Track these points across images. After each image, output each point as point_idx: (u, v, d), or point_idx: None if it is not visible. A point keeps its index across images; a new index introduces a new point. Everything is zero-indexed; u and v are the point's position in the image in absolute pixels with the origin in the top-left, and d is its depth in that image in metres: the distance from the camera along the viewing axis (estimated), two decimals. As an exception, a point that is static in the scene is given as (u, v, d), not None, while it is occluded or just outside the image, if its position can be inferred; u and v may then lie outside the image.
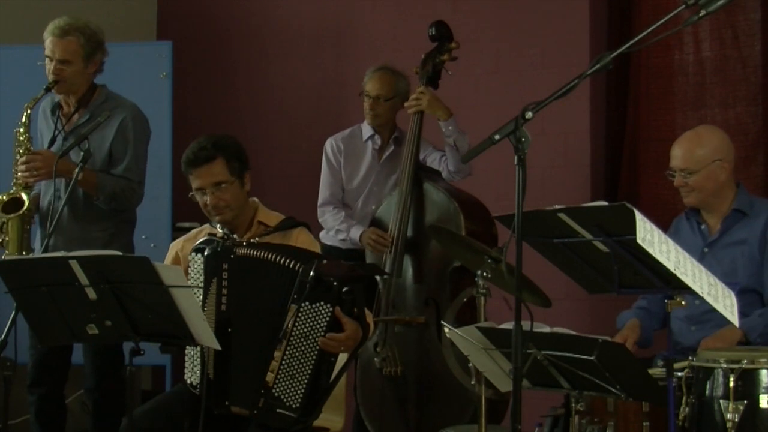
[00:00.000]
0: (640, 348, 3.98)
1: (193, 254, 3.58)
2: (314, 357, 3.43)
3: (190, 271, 3.57)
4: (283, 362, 3.44)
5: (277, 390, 3.45)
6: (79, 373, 4.54)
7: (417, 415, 4.69)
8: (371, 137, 4.99)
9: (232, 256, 3.51)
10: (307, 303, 3.42)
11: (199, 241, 3.62)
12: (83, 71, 4.38)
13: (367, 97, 4.94)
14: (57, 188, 4.30)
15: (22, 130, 4.33)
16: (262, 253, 3.51)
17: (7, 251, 4.31)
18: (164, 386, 5.60)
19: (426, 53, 4.88)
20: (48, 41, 4.34)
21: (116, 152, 4.38)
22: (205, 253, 3.54)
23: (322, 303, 3.42)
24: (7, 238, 4.30)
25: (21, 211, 4.28)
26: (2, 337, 3.59)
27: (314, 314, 3.43)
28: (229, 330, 3.48)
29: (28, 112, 4.36)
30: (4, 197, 4.30)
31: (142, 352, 3.22)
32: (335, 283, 3.42)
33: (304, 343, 3.43)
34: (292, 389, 3.44)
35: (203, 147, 3.64)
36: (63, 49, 4.32)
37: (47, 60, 4.34)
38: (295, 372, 3.43)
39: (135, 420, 3.41)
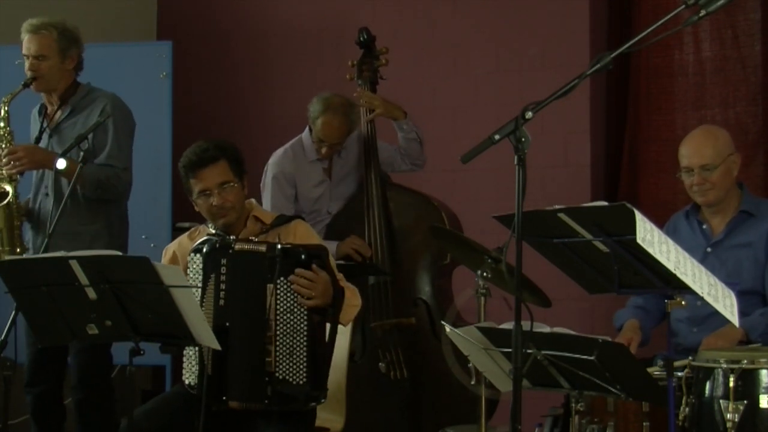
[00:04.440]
0: (639, 347, 3.98)
1: (192, 254, 3.59)
2: (305, 327, 3.47)
3: (188, 272, 3.58)
4: (278, 342, 3.47)
5: (280, 372, 3.46)
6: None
7: (417, 417, 4.68)
8: (319, 159, 4.83)
9: (230, 251, 3.53)
10: (282, 278, 3.47)
11: (197, 242, 3.63)
12: (60, 66, 4.41)
13: (320, 142, 4.74)
14: (45, 185, 4.37)
15: (2, 124, 4.35)
16: (255, 247, 3.55)
17: None
18: (164, 386, 5.60)
19: (358, 61, 4.85)
20: (24, 39, 4.40)
21: (97, 141, 4.38)
22: (204, 251, 3.55)
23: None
24: None
25: (6, 201, 4.29)
26: (2, 337, 3.59)
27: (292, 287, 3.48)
28: (227, 325, 3.50)
29: (6, 108, 4.38)
30: None
31: (142, 352, 3.22)
32: (303, 256, 3.48)
33: (291, 317, 3.47)
34: (294, 366, 3.46)
35: (206, 149, 3.65)
36: (37, 44, 4.37)
37: (25, 59, 4.39)
38: (292, 348, 3.46)
39: (135, 420, 3.41)
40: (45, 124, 4.44)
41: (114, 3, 6.43)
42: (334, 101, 4.74)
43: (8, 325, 3.60)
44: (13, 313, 3.54)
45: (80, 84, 4.50)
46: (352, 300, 3.67)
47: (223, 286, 3.51)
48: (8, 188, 4.30)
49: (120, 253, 3.20)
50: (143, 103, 5.47)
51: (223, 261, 3.52)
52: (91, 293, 3.16)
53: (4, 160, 4.30)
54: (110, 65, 5.55)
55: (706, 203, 3.98)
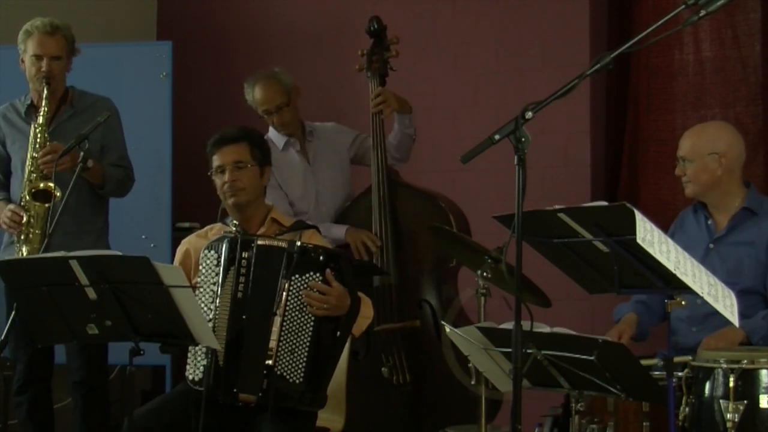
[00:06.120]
0: (635, 342, 3.98)
1: (206, 251, 3.61)
2: (311, 328, 3.48)
3: (201, 268, 3.60)
4: (281, 339, 3.49)
5: (279, 368, 3.48)
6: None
7: (418, 417, 4.67)
8: (287, 143, 4.82)
9: (252, 245, 3.57)
10: (297, 275, 3.50)
11: (213, 239, 3.65)
12: (65, 69, 4.45)
13: (268, 114, 4.76)
14: None
15: (41, 121, 4.33)
16: (277, 243, 3.59)
17: (27, 247, 4.28)
18: (164, 386, 5.60)
19: (368, 50, 4.83)
20: (35, 39, 4.37)
21: (107, 143, 4.45)
22: (223, 245, 3.57)
23: (311, 273, 3.50)
24: (37, 231, 4.29)
25: (53, 202, 4.28)
26: (2, 337, 3.59)
27: (306, 286, 3.49)
28: (244, 317, 3.52)
29: (45, 109, 4.37)
30: (41, 185, 4.30)
31: (142, 352, 3.22)
32: (321, 257, 3.50)
33: (299, 316, 3.49)
34: (293, 364, 3.48)
35: (231, 130, 3.83)
36: (55, 45, 4.38)
37: (33, 59, 4.37)
38: (294, 347, 3.48)
39: (135, 420, 3.41)
40: (40, 126, 4.43)
41: (114, 3, 6.43)
42: (258, 73, 4.85)
43: (8, 325, 3.60)
44: (13, 312, 3.54)
45: (67, 87, 4.51)
46: (365, 311, 3.68)
47: (242, 279, 3.55)
48: (57, 192, 4.29)
49: (120, 253, 3.20)
50: (143, 103, 5.48)
51: (245, 255, 3.55)
52: (91, 293, 3.16)
53: (48, 157, 4.25)
54: (110, 65, 5.56)
55: (687, 195, 4.05)
